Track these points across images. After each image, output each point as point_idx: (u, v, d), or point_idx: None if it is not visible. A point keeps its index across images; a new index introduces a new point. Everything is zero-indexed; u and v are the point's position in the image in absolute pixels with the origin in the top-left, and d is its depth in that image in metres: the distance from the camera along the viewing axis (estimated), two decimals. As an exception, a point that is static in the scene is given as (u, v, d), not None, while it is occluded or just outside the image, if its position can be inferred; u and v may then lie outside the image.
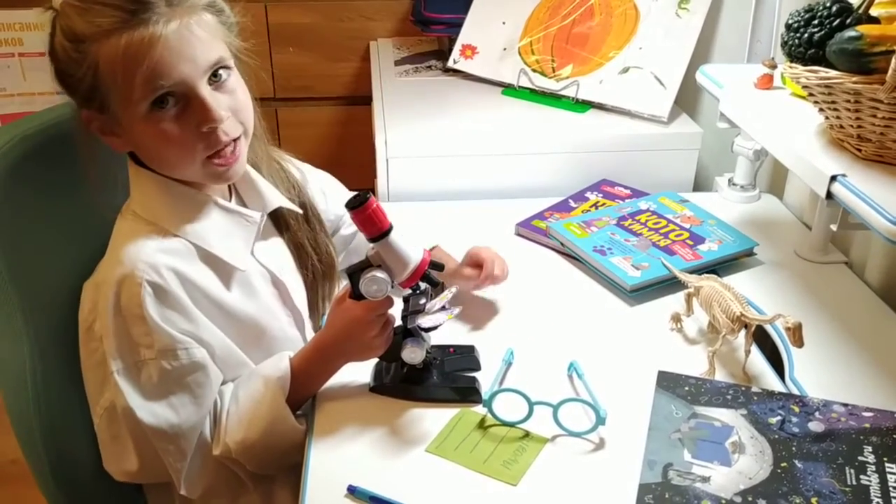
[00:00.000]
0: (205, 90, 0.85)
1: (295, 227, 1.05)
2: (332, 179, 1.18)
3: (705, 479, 0.79)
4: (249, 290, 0.96)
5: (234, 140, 0.89)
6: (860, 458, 0.81)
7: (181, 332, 0.88)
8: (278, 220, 1.04)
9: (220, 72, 0.88)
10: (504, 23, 1.66)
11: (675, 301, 1.09)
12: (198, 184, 0.93)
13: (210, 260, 0.92)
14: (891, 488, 0.77)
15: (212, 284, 0.92)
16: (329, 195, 1.14)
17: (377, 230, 0.85)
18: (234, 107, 0.89)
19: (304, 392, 0.93)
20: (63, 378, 0.96)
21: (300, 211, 1.04)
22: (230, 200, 0.97)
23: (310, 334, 1.04)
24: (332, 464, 0.84)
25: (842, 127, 0.97)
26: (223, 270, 0.93)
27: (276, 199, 1.01)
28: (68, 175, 0.97)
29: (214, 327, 0.91)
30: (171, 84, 0.83)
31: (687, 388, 0.91)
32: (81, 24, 0.82)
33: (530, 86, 1.58)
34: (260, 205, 0.99)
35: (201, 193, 0.93)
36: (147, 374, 0.88)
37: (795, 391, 0.94)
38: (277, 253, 1.02)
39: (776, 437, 0.84)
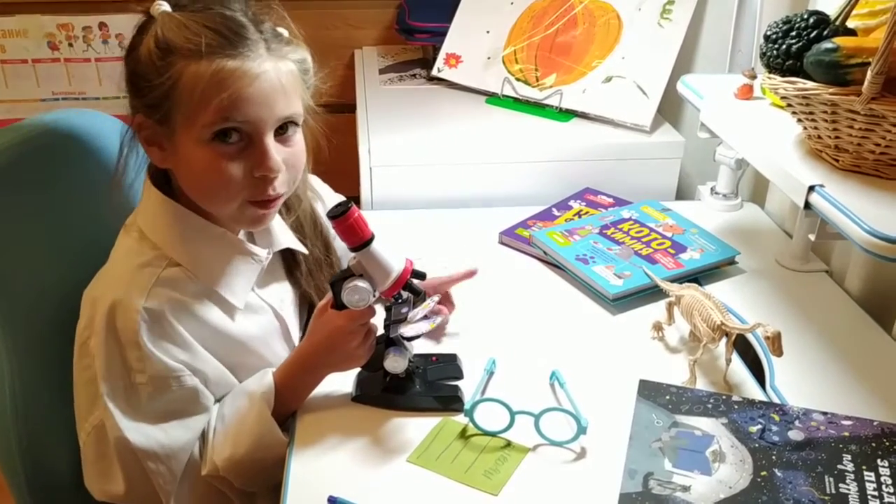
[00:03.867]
0: (269, 139, 0.86)
1: (316, 271, 1.05)
2: (327, 189, 1.17)
3: (686, 489, 0.79)
4: (248, 325, 0.96)
5: (278, 195, 0.89)
6: (839, 466, 0.82)
7: (176, 360, 0.87)
8: (286, 256, 1.04)
9: (289, 126, 0.88)
10: (488, 32, 1.67)
11: (656, 310, 1.09)
12: (213, 217, 0.93)
13: (210, 293, 0.92)
14: (869, 496, 0.78)
15: (210, 316, 0.91)
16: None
17: (359, 240, 0.85)
18: (290, 163, 0.89)
19: (289, 405, 0.93)
20: (42, 389, 0.95)
21: (306, 251, 1.04)
22: (238, 235, 0.97)
23: None
24: (313, 474, 0.84)
25: (819, 137, 0.98)
26: (223, 303, 0.93)
27: (286, 239, 1.01)
28: (47, 186, 0.97)
29: (210, 356, 0.91)
30: (242, 121, 0.84)
31: (668, 397, 0.91)
32: (178, 38, 0.82)
33: (514, 95, 1.59)
34: (267, 242, 0.99)
35: (212, 225, 0.93)
36: (137, 398, 0.87)
37: (776, 399, 0.94)
38: (279, 289, 1.02)
39: (756, 445, 0.84)
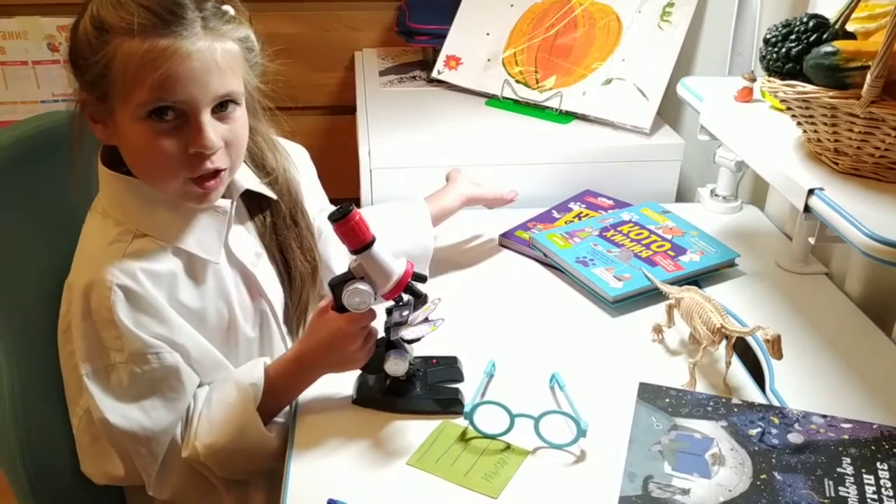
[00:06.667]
0: (205, 116, 0.85)
1: (281, 227, 1.03)
2: (306, 159, 1.15)
3: (685, 492, 0.79)
4: (221, 285, 0.95)
5: (219, 171, 0.88)
6: (839, 469, 0.82)
7: (153, 335, 0.87)
8: (252, 204, 1.02)
9: (229, 104, 0.88)
10: (488, 34, 1.67)
11: (656, 312, 1.09)
12: None
13: (182, 256, 0.91)
14: (869, 500, 0.78)
15: (183, 282, 0.91)
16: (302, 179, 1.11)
17: (360, 242, 0.85)
18: (229, 140, 0.88)
19: (280, 400, 0.93)
20: (41, 385, 0.95)
21: (274, 196, 1.01)
22: None
23: (283, 327, 1.04)
24: (313, 477, 0.84)
25: (819, 140, 0.98)
26: (195, 265, 0.93)
27: (248, 182, 0.99)
28: (46, 186, 0.97)
29: (189, 328, 0.91)
30: (176, 100, 0.83)
31: (668, 400, 0.91)
32: (112, 16, 0.82)
33: (514, 97, 1.59)
34: (229, 191, 0.97)
35: None
36: (117, 378, 0.87)
37: (776, 402, 0.94)
38: (251, 239, 1.01)
39: (756, 448, 0.84)
